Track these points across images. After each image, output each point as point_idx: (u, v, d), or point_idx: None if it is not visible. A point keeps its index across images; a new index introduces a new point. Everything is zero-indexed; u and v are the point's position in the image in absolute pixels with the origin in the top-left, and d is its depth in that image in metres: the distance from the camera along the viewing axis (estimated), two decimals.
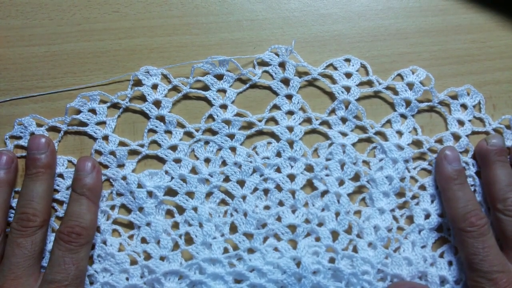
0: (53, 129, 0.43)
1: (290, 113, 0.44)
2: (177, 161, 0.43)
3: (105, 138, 0.43)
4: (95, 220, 0.41)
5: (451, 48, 0.46)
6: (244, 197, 0.43)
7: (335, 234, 0.42)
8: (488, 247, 0.39)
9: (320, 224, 0.43)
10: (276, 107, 0.44)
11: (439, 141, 0.45)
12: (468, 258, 0.40)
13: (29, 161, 0.41)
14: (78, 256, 0.39)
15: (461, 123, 0.45)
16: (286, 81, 0.44)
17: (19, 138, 0.43)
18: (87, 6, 0.44)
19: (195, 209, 0.42)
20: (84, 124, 0.43)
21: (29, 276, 0.38)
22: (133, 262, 0.42)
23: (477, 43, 0.46)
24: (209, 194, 0.43)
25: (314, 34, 0.45)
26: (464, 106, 0.45)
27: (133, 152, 0.43)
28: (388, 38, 0.45)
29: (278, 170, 0.43)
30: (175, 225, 0.43)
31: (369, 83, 0.45)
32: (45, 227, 0.40)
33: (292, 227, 0.42)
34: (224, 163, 0.43)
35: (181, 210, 0.43)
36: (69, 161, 0.43)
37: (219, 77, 0.44)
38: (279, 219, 0.42)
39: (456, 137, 0.45)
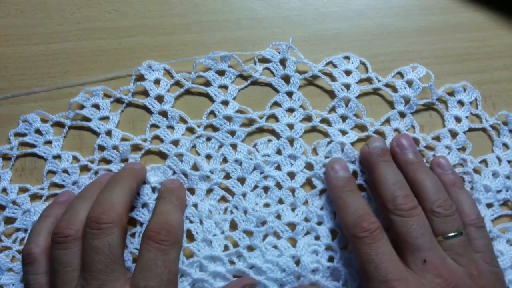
0: (57, 124, 0.43)
1: (291, 110, 0.44)
2: (179, 156, 0.43)
3: (108, 133, 0.43)
4: (182, 222, 0.39)
5: (450, 47, 0.46)
6: (244, 195, 0.43)
7: (334, 233, 0.43)
8: (382, 253, 0.37)
9: (319, 223, 0.43)
10: (276, 104, 0.44)
11: (436, 138, 0.45)
12: (362, 266, 0.37)
13: None
14: (169, 258, 0.36)
15: (458, 119, 0.45)
16: (286, 78, 0.44)
17: (24, 135, 0.43)
18: (87, 5, 0.44)
19: (195, 205, 0.43)
20: (88, 119, 0.43)
21: (115, 281, 0.35)
22: (136, 260, 0.42)
23: (477, 42, 0.46)
24: (209, 191, 0.43)
25: (314, 33, 0.45)
26: (461, 103, 0.45)
27: (136, 147, 0.44)
28: (387, 36, 0.45)
29: (278, 167, 0.43)
30: None
31: (369, 80, 0.45)
32: (120, 229, 0.36)
33: (292, 225, 0.43)
34: (225, 160, 0.44)
35: None
36: (74, 157, 0.43)
37: (221, 73, 0.44)
38: (278, 217, 0.43)
39: (453, 134, 0.45)
